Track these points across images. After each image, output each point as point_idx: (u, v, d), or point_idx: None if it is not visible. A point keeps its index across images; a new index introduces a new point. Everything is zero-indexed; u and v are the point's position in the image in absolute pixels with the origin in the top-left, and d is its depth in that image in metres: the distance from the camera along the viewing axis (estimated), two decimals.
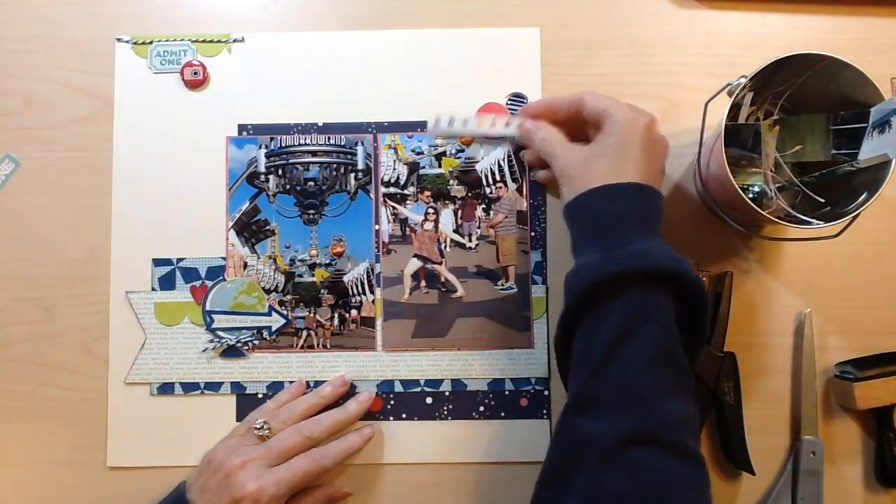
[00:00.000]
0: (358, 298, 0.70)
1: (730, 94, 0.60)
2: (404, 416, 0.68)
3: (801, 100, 0.63)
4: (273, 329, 0.69)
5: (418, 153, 0.71)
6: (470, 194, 0.71)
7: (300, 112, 0.71)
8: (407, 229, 0.70)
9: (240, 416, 0.68)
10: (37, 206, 0.71)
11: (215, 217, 0.70)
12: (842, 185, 0.61)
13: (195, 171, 0.71)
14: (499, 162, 0.71)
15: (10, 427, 0.69)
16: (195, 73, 0.71)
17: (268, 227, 0.70)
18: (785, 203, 0.64)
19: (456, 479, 0.68)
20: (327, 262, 0.70)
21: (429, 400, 0.69)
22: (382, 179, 0.71)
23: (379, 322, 0.70)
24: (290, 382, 0.68)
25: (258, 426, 0.62)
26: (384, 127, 0.71)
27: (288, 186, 0.71)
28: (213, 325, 0.69)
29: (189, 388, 0.69)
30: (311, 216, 0.70)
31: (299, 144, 0.71)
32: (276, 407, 0.66)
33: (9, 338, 0.70)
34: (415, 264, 0.70)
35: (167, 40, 0.72)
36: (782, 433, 0.68)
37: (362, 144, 0.71)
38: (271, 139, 0.71)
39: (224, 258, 0.70)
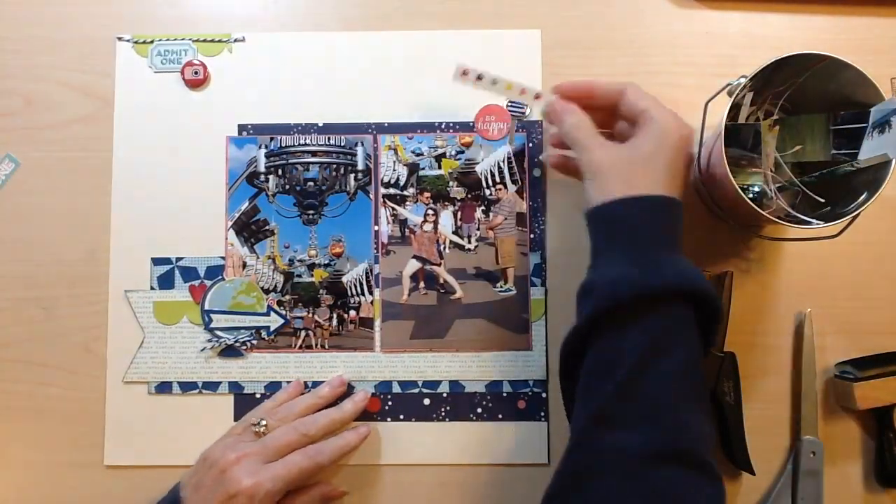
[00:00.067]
0: (357, 299, 0.70)
1: (730, 94, 0.60)
2: (402, 417, 0.68)
3: (801, 100, 0.63)
4: (271, 329, 0.69)
5: (418, 154, 0.71)
6: (469, 196, 0.71)
7: (300, 112, 0.71)
8: (406, 230, 0.70)
9: (237, 415, 0.68)
10: (37, 206, 0.71)
11: (215, 217, 0.70)
12: (842, 185, 0.61)
13: (195, 171, 0.71)
14: (499, 164, 0.71)
15: (9, 426, 0.69)
16: (196, 73, 0.71)
17: (267, 227, 0.70)
18: (785, 203, 0.64)
19: (453, 480, 0.68)
20: (326, 262, 0.70)
21: (426, 401, 0.68)
22: (382, 180, 0.71)
23: (377, 323, 0.69)
24: (288, 382, 0.68)
25: (255, 422, 0.62)
26: (384, 128, 0.71)
27: (287, 186, 0.71)
28: (212, 325, 0.69)
29: (187, 387, 0.69)
30: (311, 216, 0.70)
31: (299, 144, 0.71)
32: (274, 406, 0.65)
33: (9, 338, 0.70)
34: (414, 265, 0.70)
35: (168, 40, 0.72)
36: (782, 433, 0.68)
37: (362, 145, 0.71)
38: (271, 139, 0.71)
39: (223, 258, 0.70)
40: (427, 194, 0.71)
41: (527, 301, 0.69)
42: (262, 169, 0.71)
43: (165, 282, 0.70)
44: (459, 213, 0.70)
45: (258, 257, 0.70)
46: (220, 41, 0.72)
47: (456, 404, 0.68)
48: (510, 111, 0.71)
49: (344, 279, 0.70)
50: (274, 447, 0.60)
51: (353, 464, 0.68)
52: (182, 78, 0.71)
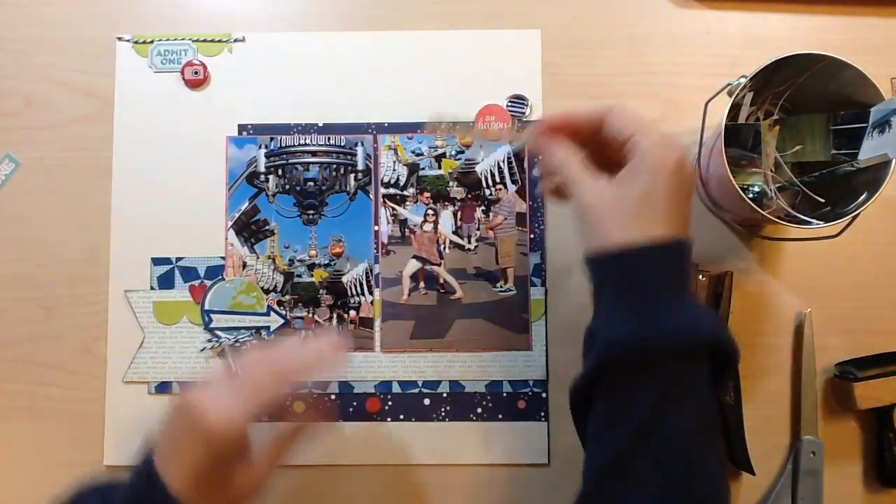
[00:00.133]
0: (357, 299, 0.70)
1: (730, 94, 0.60)
2: (402, 417, 0.68)
3: (801, 100, 0.63)
4: (271, 329, 0.69)
5: (418, 154, 0.71)
6: (469, 196, 0.71)
7: (300, 112, 0.71)
8: (406, 230, 0.70)
9: None
10: (37, 206, 0.71)
11: (215, 216, 0.70)
12: (842, 185, 0.61)
13: (195, 171, 0.71)
14: (498, 164, 0.71)
15: (9, 426, 0.69)
16: (196, 73, 0.71)
17: (267, 227, 0.70)
18: (785, 203, 0.64)
19: (453, 480, 0.68)
20: (326, 262, 0.70)
21: (427, 401, 0.68)
22: (382, 180, 0.71)
23: (377, 323, 0.69)
24: None
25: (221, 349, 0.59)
26: (384, 128, 0.71)
27: (287, 186, 0.71)
28: (212, 325, 0.69)
29: (187, 387, 0.69)
30: (311, 216, 0.70)
31: (299, 144, 0.71)
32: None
33: (8, 338, 0.70)
34: (414, 265, 0.70)
35: (168, 40, 0.72)
36: (782, 433, 0.68)
37: (362, 145, 0.71)
38: (271, 139, 0.71)
39: (223, 258, 0.70)
40: (427, 194, 0.71)
41: (527, 301, 0.69)
42: (262, 169, 0.71)
43: (165, 282, 0.70)
44: (459, 213, 0.70)
45: (258, 257, 0.70)
46: (220, 41, 0.72)
47: (456, 404, 0.68)
48: (510, 111, 0.71)
49: (344, 279, 0.70)
50: (241, 377, 0.54)
51: (353, 464, 0.68)
52: (182, 78, 0.71)
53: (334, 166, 0.71)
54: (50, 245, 0.70)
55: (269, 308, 0.69)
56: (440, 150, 0.71)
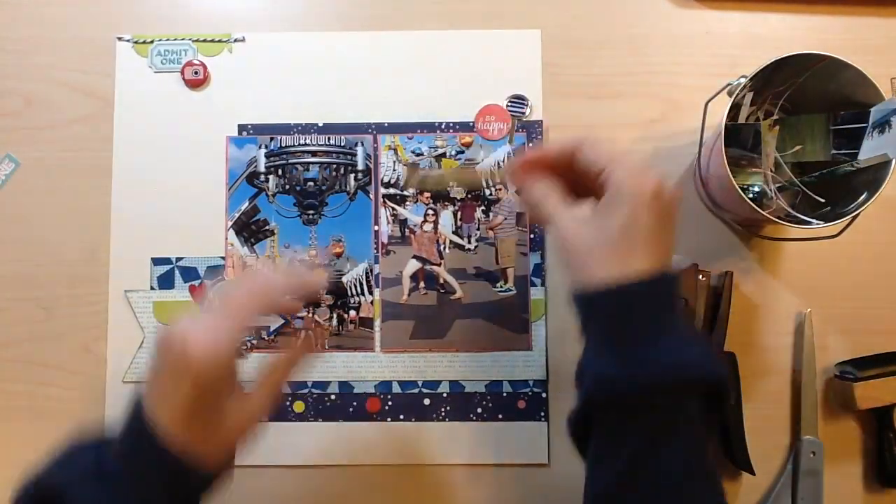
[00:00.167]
0: (357, 299, 0.70)
1: (730, 94, 0.60)
2: (402, 417, 0.68)
3: (801, 100, 0.63)
4: (271, 329, 0.69)
5: (418, 154, 0.71)
6: (469, 196, 0.71)
7: (300, 112, 0.71)
8: (406, 230, 0.70)
9: None
10: (37, 206, 0.71)
11: (215, 216, 0.70)
12: (842, 185, 0.61)
13: (195, 171, 0.71)
14: (499, 163, 0.71)
15: (9, 426, 0.69)
16: (196, 73, 0.71)
17: (267, 227, 0.70)
18: (785, 203, 0.64)
19: (453, 480, 0.68)
20: (326, 262, 0.70)
21: (426, 401, 0.68)
22: (382, 180, 0.71)
23: (377, 323, 0.69)
24: (288, 383, 0.68)
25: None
26: (384, 128, 0.71)
27: (287, 186, 0.71)
28: None
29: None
30: (311, 216, 0.70)
31: (299, 144, 0.71)
32: None
33: (8, 338, 0.70)
34: (414, 265, 0.70)
35: (168, 40, 0.72)
36: (782, 433, 0.68)
37: (362, 145, 0.71)
38: (271, 139, 0.71)
39: (223, 258, 0.70)
40: (427, 194, 0.71)
41: (527, 301, 0.69)
42: (262, 169, 0.71)
43: (165, 282, 0.70)
44: (459, 213, 0.70)
45: (258, 257, 0.70)
46: (220, 41, 0.72)
47: (456, 404, 0.68)
48: (510, 111, 0.71)
49: (344, 279, 0.70)
50: (219, 304, 0.51)
51: (353, 464, 0.68)
52: (182, 78, 0.71)
53: (334, 166, 0.71)
54: (50, 245, 0.70)
55: None
56: (440, 150, 0.71)
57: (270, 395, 0.51)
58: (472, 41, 0.72)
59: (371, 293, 0.70)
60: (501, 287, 0.69)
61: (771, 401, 0.68)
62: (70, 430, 0.49)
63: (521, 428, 0.68)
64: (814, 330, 0.67)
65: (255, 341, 0.69)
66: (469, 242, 0.70)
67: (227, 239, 0.70)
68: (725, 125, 0.59)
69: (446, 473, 0.68)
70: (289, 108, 0.71)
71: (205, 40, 0.72)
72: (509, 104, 0.71)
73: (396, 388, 0.69)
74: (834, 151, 0.62)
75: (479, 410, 0.68)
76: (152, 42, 0.72)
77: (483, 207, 0.70)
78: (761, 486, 0.67)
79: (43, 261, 0.70)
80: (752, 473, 0.65)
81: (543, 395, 0.68)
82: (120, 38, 0.72)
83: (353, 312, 0.70)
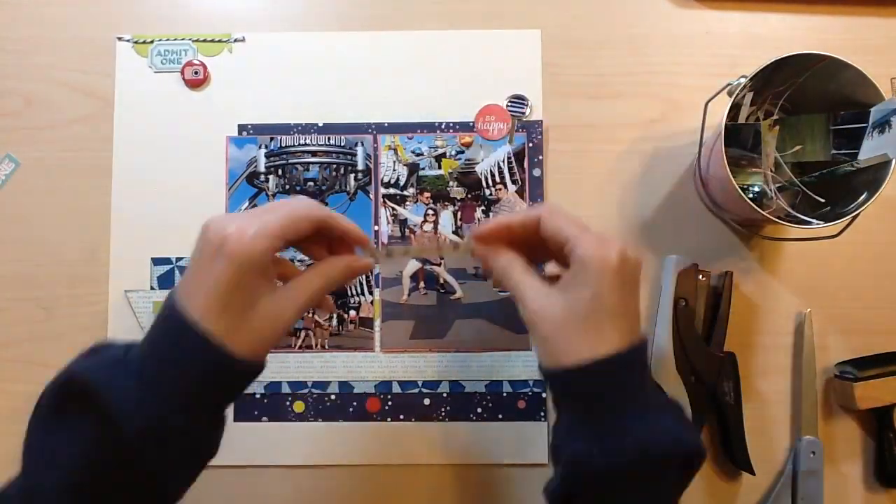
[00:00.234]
0: (357, 299, 0.70)
1: (730, 94, 0.60)
2: (402, 417, 0.68)
3: (801, 100, 0.63)
4: None
5: (418, 154, 0.71)
6: (469, 196, 0.71)
7: (300, 112, 0.71)
8: (406, 230, 0.70)
9: (236, 416, 0.68)
10: (37, 206, 0.71)
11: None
12: (842, 185, 0.61)
13: (195, 171, 0.71)
14: (498, 164, 0.71)
15: (10, 427, 0.69)
16: (196, 73, 0.71)
17: None
18: (785, 203, 0.64)
19: (453, 480, 0.68)
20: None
21: (426, 401, 0.68)
22: (382, 180, 0.71)
23: (377, 323, 0.69)
24: (288, 383, 0.68)
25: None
26: (384, 128, 0.71)
27: (287, 186, 0.71)
28: None
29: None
30: None
31: (299, 144, 0.71)
32: None
33: (8, 338, 0.70)
34: (414, 265, 0.70)
35: (168, 40, 0.72)
36: (782, 433, 0.68)
37: (362, 145, 0.71)
38: (271, 139, 0.71)
39: None
40: (427, 194, 0.71)
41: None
42: (262, 169, 0.71)
43: (165, 282, 0.70)
44: (459, 213, 0.70)
45: None
46: (220, 41, 0.72)
47: (456, 404, 0.68)
48: (510, 111, 0.71)
49: None
50: (261, 209, 0.50)
51: (352, 464, 0.68)
52: (182, 78, 0.71)
53: (334, 166, 0.71)
54: (50, 245, 0.70)
55: None
56: (440, 150, 0.71)
57: (305, 300, 0.49)
58: (472, 41, 0.72)
59: (371, 293, 0.70)
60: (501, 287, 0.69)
61: (771, 401, 0.68)
62: None
63: (521, 428, 0.68)
64: (814, 330, 0.67)
65: None
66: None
67: None
68: (725, 125, 0.59)
69: (446, 473, 0.68)
70: (289, 108, 0.71)
71: (205, 40, 0.72)
72: (509, 104, 0.71)
73: (396, 388, 0.69)
74: (834, 151, 0.62)
75: (479, 410, 0.68)
76: (152, 42, 0.72)
77: (483, 207, 0.70)
78: (761, 486, 0.67)
79: (43, 261, 0.70)
80: (752, 473, 0.66)
81: (543, 395, 0.68)
82: (120, 38, 0.72)
83: (353, 312, 0.70)
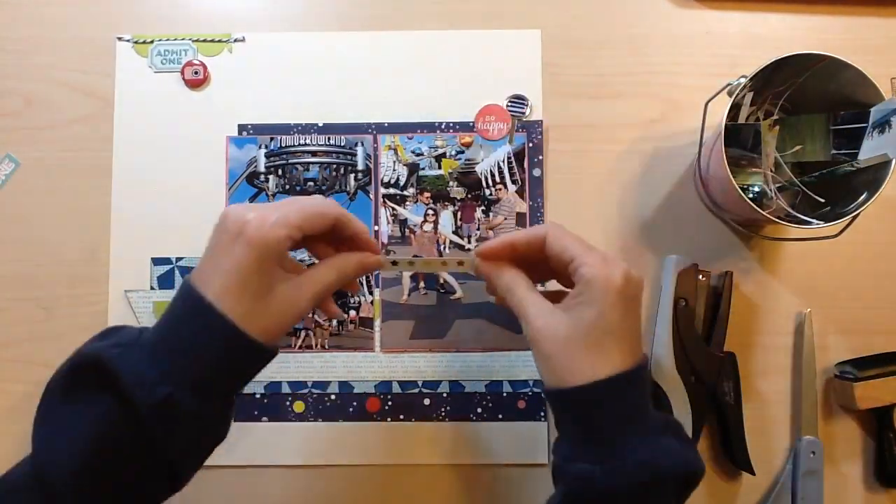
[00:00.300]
0: (357, 299, 0.70)
1: (730, 94, 0.60)
2: (402, 417, 0.68)
3: (801, 100, 0.63)
4: None
5: (418, 154, 0.71)
6: (469, 196, 0.71)
7: (300, 112, 0.71)
8: (406, 230, 0.70)
9: (236, 416, 0.68)
10: (37, 206, 0.71)
11: (215, 216, 0.69)
12: (842, 185, 0.61)
13: (195, 171, 0.71)
14: (499, 164, 0.71)
15: (10, 427, 0.69)
16: (196, 73, 0.71)
17: None
18: (785, 203, 0.64)
19: (453, 480, 0.68)
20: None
21: (427, 401, 0.68)
22: (382, 180, 0.71)
23: (377, 323, 0.69)
24: (288, 383, 0.68)
25: None
26: (384, 128, 0.71)
27: (287, 186, 0.71)
28: None
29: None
30: None
31: (299, 144, 0.71)
32: None
33: (8, 338, 0.70)
34: None
35: (168, 40, 0.72)
36: (782, 433, 0.68)
37: (362, 145, 0.71)
38: (271, 139, 0.71)
39: None
40: (427, 194, 0.71)
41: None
42: (262, 169, 0.71)
43: (165, 282, 0.70)
44: (459, 213, 0.70)
45: None
46: (220, 41, 0.72)
47: (456, 404, 0.68)
48: (510, 111, 0.71)
49: None
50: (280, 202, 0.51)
51: (352, 464, 0.68)
52: (182, 78, 0.71)
53: (334, 166, 0.71)
54: (50, 245, 0.70)
55: None
56: (440, 150, 0.71)
57: (319, 291, 0.50)
58: (472, 41, 0.72)
59: (371, 293, 0.70)
60: None
61: (771, 401, 0.68)
62: None
63: (521, 428, 0.68)
64: (814, 330, 0.67)
65: None
66: (469, 242, 0.70)
67: None
68: (725, 125, 0.59)
69: (446, 473, 0.68)
70: (289, 108, 0.71)
71: (205, 40, 0.72)
72: (509, 104, 0.71)
73: (396, 388, 0.69)
74: (834, 151, 0.62)
75: (479, 410, 0.68)
76: (152, 42, 0.72)
77: (483, 207, 0.70)
78: (761, 486, 0.67)
79: (43, 261, 0.70)
80: (752, 473, 0.66)
81: (543, 395, 0.68)
82: (120, 38, 0.72)
83: (353, 312, 0.70)
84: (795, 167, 0.64)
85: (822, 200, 0.62)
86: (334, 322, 0.69)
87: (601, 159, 0.71)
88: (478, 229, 0.70)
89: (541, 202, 0.70)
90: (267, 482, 0.68)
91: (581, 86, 0.71)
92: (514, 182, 0.70)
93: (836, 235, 0.60)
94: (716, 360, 0.65)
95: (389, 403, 0.68)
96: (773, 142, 0.62)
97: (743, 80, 0.59)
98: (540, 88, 0.71)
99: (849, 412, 0.67)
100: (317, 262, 0.53)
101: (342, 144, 0.71)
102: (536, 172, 0.70)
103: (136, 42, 0.72)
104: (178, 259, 0.70)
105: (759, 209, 0.58)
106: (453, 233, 0.70)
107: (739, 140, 0.62)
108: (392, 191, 0.71)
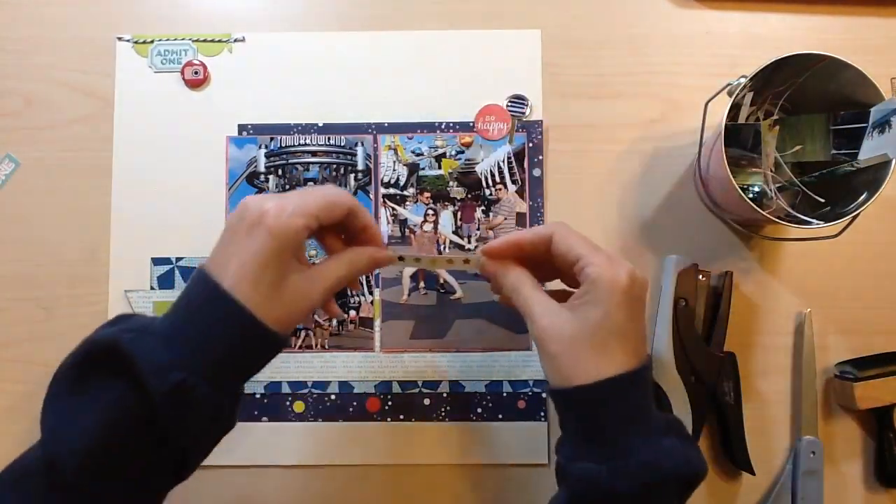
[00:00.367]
0: (357, 299, 0.70)
1: (730, 94, 0.60)
2: (402, 417, 0.68)
3: (801, 100, 0.63)
4: None
5: (418, 154, 0.71)
6: (469, 196, 0.71)
7: (300, 112, 0.71)
8: (406, 230, 0.70)
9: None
10: (37, 206, 0.71)
11: (215, 216, 0.70)
12: (842, 185, 0.61)
13: (195, 171, 0.71)
14: (499, 164, 0.71)
15: (10, 427, 0.69)
16: (196, 73, 0.71)
17: None
18: (785, 203, 0.64)
19: (453, 480, 0.68)
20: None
21: (427, 401, 0.68)
22: (382, 180, 0.71)
23: (377, 323, 0.69)
24: (288, 383, 0.68)
25: None
26: (384, 128, 0.71)
27: (288, 187, 0.71)
28: None
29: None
30: None
31: (299, 144, 0.71)
32: None
33: (8, 338, 0.70)
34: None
35: (168, 40, 0.72)
36: (782, 433, 0.68)
37: (362, 145, 0.71)
38: (271, 139, 0.71)
39: None
40: (427, 194, 0.71)
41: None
42: (262, 169, 0.71)
43: (165, 282, 0.70)
44: (459, 213, 0.70)
45: None
46: (220, 41, 0.72)
47: (456, 404, 0.68)
48: (510, 111, 0.71)
49: None
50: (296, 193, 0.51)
51: (352, 464, 0.68)
52: (182, 78, 0.71)
53: (334, 166, 0.71)
54: (50, 245, 0.70)
55: None
56: (440, 150, 0.71)
57: (332, 284, 0.51)
58: (472, 41, 0.72)
59: (371, 293, 0.70)
60: None
61: (771, 401, 0.68)
62: None
63: (521, 428, 0.68)
64: (814, 330, 0.67)
65: None
66: (469, 242, 0.70)
67: None
68: (725, 125, 0.59)
69: (446, 473, 0.68)
70: (289, 108, 0.71)
71: (205, 40, 0.72)
72: (509, 104, 0.71)
73: (396, 388, 0.69)
74: (834, 151, 0.62)
75: (479, 410, 0.68)
76: (152, 42, 0.72)
77: (483, 207, 0.70)
78: (761, 486, 0.67)
79: (43, 261, 0.70)
80: (752, 473, 0.66)
81: (543, 395, 0.68)
82: (120, 38, 0.72)
83: (353, 312, 0.70)
84: (795, 167, 0.64)
85: (822, 200, 0.62)
86: (334, 322, 0.69)
87: (601, 159, 0.71)
88: (478, 229, 0.70)
89: (541, 202, 0.70)
90: (267, 482, 0.68)
91: (581, 86, 0.71)
92: (514, 182, 0.70)
93: (836, 235, 0.60)
94: (716, 360, 0.65)
95: (389, 403, 0.68)
96: (773, 142, 0.62)
97: (743, 80, 0.59)
98: (540, 88, 0.71)
99: (849, 412, 0.67)
100: (325, 258, 0.53)
101: (342, 144, 0.71)
102: (536, 172, 0.70)
103: (136, 42, 0.72)
104: (178, 259, 0.70)
105: (759, 209, 0.58)
106: (453, 233, 0.70)
107: (739, 140, 0.62)
108: (392, 191, 0.71)
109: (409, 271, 0.70)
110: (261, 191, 0.71)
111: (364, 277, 0.69)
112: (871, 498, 0.67)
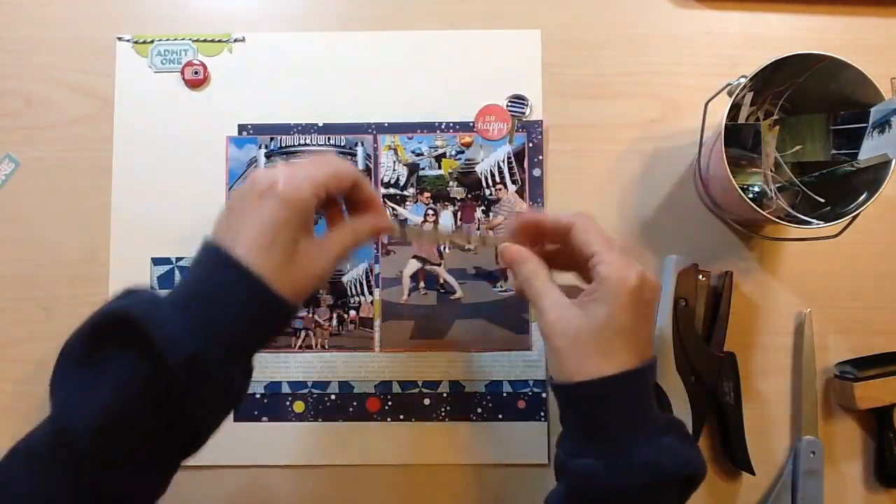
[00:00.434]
0: (357, 299, 0.70)
1: (730, 94, 0.60)
2: (402, 417, 0.68)
3: (801, 100, 0.63)
4: None
5: (418, 154, 0.71)
6: (469, 196, 0.71)
7: (300, 112, 0.71)
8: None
9: (236, 416, 0.68)
10: (37, 206, 0.71)
11: (215, 216, 0.70)
12: (842, 185, 0.61)
13: (195, 171, 0.71)
14: (499, 164, 0.71)
15: (10, 427, 0.69)
16: (196, 73, 0.71)
17: None
18: (785, 203, 0.64)
19: (453, 480, 0.68)
20: None
21: (426, 401, 0.68)
22: (382, 180, 0.71)
23: (377, 323, 0.69)
24: (288, 383, 0.68)
25: None
26: (384, 128, 0.71)
27: None
28: None
29: None
30: None
31: (299, 144, 0.71)
32: None
33: (8, 338, 0.70)
34: (414, 265, 0.70)
35: (168, 40, 0.72)
36: (782, 433, 0.68)
37: (362, 145, 0.71)
38: (271, 139, 0.71)
39: None
40: (427, 194, 0.71)
41: (527, 301, 0.69)
42: None
43: (165, 282, 0.70)
44: (459, 213, 0.70)
45: None
46: (220, 41, 0.72)
47: (456, 404, 0.68)
48: (510, 111, 0.71)
49: (344, 279, 0.70)
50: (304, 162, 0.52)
51: (352, 464, 0.68)
52: (182, 78, 0.71)
53: None
54: (50, 245, 0.70)
55: None
56: (440, 150, 0.71)
57: (339, 252, 0.51)
58: (472, 41, 0.72)
59: (371, 293, 0.70)
60: (501, 287, 0.69)
61: (771, 401, 0.68)
62: None
63: (521, 428, 0.68)
64: (814, 330, 0.67)
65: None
66: (469, 243, 0.70)
67: None
68: (725, 125, 0.59)
69: (446, 473, 0.68)
70: (289, 108, 0.71)
71: (205, 40, 0.72)
72: (509, 104, 0.71)
73: (396, 388, 0.69)
74: (834, 151, 0.62)
75: (479, 410, 0.68)
76: (152, 42, 0.72)
77: (483, 207, 0.70)
78: (761, 486, 0.67)
79: (43, 261, 0.70)
80: (752, 473, 0.66)
81: (543, 395, 0.68)
82: (120, 38, 0.72)
83: (353, 312, 0.70)
84: (795, 167, 0.64)
85: (822, 200, 0.62)
86: (334, 322, 0.69)
87: (601, 159, 0.71)
88: (478, 229, 0.70)
89: (541, 202, 0.70)
90: (267, 482, 0.68)
91: (581, 86, 0.71)
92: (514, 182, 0.70)
93: (836, 235, 0.60)
94: (716, 360, 0.65)
95: (389, 403, 0.68)
96: (773, 142, 0.62)
97: (743, 80, 0.59)
98: (540, 88, 0.71)
99: (849, 412, 0.67)
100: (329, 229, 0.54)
101: (342, 144, 0.71)
102: (536, 172, 0.70)
103: (136, 42, 0.72)
104: (178, 259, 0.70)
105: (759, 209, 0.58)
106: (453, 233, 0.70)
107: (739, 140, 0.62)
108: (392, 191, 0.71)
109: (409, 271, 0.70)
110: None
111: (364, 278, 0.69)
112: (871, 498, 0.67)
